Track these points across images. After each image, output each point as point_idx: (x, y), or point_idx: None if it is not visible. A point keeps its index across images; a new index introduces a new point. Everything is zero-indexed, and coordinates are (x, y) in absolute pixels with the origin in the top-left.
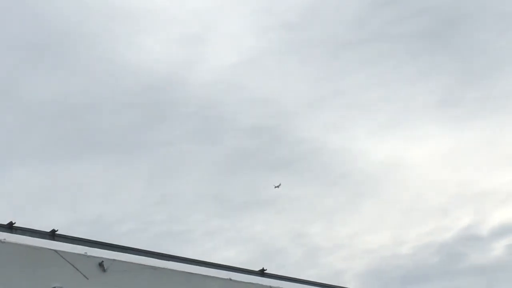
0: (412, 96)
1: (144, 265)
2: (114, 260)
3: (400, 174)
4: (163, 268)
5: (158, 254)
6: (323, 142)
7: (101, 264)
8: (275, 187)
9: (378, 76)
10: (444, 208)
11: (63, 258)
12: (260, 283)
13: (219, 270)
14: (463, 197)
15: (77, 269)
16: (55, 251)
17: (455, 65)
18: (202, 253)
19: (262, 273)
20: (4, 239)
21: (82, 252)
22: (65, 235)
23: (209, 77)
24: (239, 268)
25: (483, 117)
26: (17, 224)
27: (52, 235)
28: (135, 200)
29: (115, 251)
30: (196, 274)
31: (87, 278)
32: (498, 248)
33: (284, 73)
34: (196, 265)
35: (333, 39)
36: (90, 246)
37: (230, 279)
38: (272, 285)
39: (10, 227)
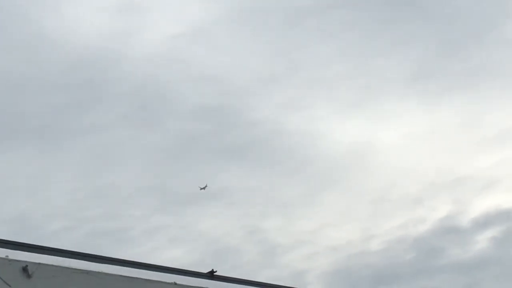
0: (381, 70)
1: (75, 269)
2: (40, 264)
3: (368, 159)
4: (98, 272)
5: (91, 256)
6: (280, 124)
7: (25, 269)
8: (201, 188)
9: (342, 48)
10: (419, 197)
11: None
12: (209, 286)
13: (162, 273)
14: (439, 185)
15: None
16: None
17: (430, 34)
18: (143, 253)
19: (211, 275)
20: None
21: (3, 256)
22: None
23: (148, 51)
24: (185, 270)
25: (462, 92)
26: None
27: None
28: (64, 194)
29: (41, 253)
30: (136, 278)
31: (10, 286)
32: (480, 241)
33: (234, 46)
34: (136, 267)
35: (289, 6)
36: (12, 249)
37: (175, 283)
38: None
39: None
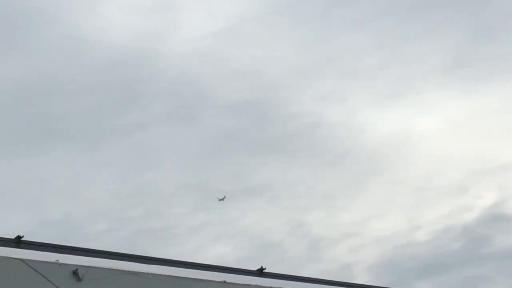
0: (418, 59)
1: (124, 270)
2: (89, 267)
3: (409, 148)
4: (146, 273)
5: (139, 257)
6: (318, 117)
7: (75, 272)
8: (219, 200)
9: (377, 37)
10: (463, 185)
11: (32, 268)
12: (259, 284)
13: (211, 272)
14: (483, 172)
15: (49, 280)
16: (22, 260)
17: (466, 20)
18: (188, 251)
19: (260, 272)
20: None
21: (53, 260)
22: (33, 242)
23: (183, 48)
24: (234, 268)
25: (501, 78)
26: None
27: (18, 242)
28: (107, 194)
29: (90, 256)
30: (184, 277)
31: None
32: None
33: (269, 40)
34: (184, 267)
35: None
36: (62, 253)
37: (225, 282)
38: (272, 285)
39: None
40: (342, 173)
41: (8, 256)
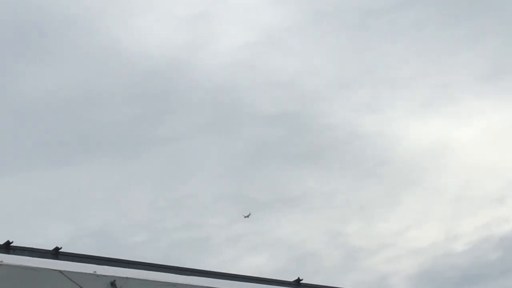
0: (456, 68)
1: (162, 282)
2: (127, 278)
3: (446, 158)
4: (184, 284)
5: (177, 268)
6: (355, 127)
7: (113, 284)
8: (245, 217)
9: (414, 47)
10: (501, 195)
11: (70, 280)
12: None
13: (248, 283)
14: None
15: None
16: (60, 271)
17: (506, 28)
18: (225, 262)
19: (297, 283)
20: (1, 261)
21: (91, 271)
22: (70, 253)
23: (219, 60)
24: (271, 279)
25: None
26: (15, 243)
27: (56, 253)
28: (143, 205)
29: (128, 267)
30: None
31: None
32: None
33: (305, 50)
34: (221, 278)
35: (359, 7)
36: (100, 264)
37: None
38: None
39: (7, 247)
40: (379, 183)
41: (47, 267)
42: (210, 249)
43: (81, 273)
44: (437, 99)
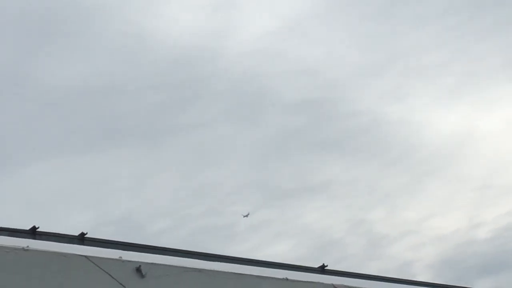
0: (481, 55)
1: (187, 267)
2: (153, 263)
3: (470, 146)
4: (209, 270)
5: (202, 254)
6: (379, 115)
7: (138, 269)
8: (244, 216)
9: (440, 35)
10: None
11: (95, 265)
12: (321, 281)
13: (273, 269)
14: None
15: (112, 277)
16: (86, 257)
17: None
18: (249, 250)
19: (322, 269)
20: (27, 247)
21: (117, 257)
22: (96, 239)
23: (244, 48)
24: (296, 265)
25: None
26: (41, 228)
27: (81, 239)
28: (167, 193)
29: (153, 253)
30: (246, 275)
31: (124, 286)
32: None
33: (330, 38)
34: (246, 264)
35: None
36: (125, 250)
37: (287, 279)
38: (334, 282)
39: (33, 233)
40: (403, 171)
41: (73, 253)
42: (234, 236)
43: (107, 258)
44: (463, 87)
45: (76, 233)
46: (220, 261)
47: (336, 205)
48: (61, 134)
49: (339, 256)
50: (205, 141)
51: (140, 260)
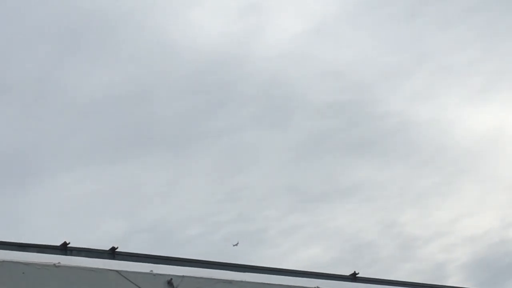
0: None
1: (218, 279)
2: (183, 276)
3: (501, 145)
4: (240, 281)
5: (233, 265)
6: (409, 115)
7: (170, 282)
8: (234, 245)
9: (467, 33)
10: None
11: (127, 279)
12: None
13: (304, 278)
14: None
15: None
16: (117, 271)
17: None
18: (280, 255)
19: (354, 277)
20: (58, 263)
21: (148, 270)
22: (127, 253)
23: (271, 50)
24: (327, 274)
25: None
26: (72, 243)
27: (112, 253)
28: (198, 199)
29: (184, 265)
30: (277, 284)
31: None
32: None
33: (357, 39)
34: (276, 274)
35: None
36: (156, 263)
37: None
38: None
39: (64, 248)
40: (434, 171)
41: (104, 267)
42: (266, 241)
43: (138, 272)
44: (493, 85)
45: (108, 245)
46: (251, 272)
47: (367, 207)
48: (89, 144)
49: (371, 259)
50: (234, 146)
51: (171, 273)
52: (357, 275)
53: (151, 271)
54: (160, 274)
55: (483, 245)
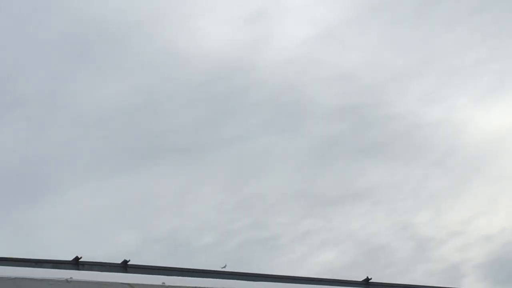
0: None
1: None
2: (196, 287)
3: None
4: None
5: (245, 274)
6: (420, 117)
7: None
8: (222, 268)
9: (476, 33)
10: None
11: None
12: None
13: (317, 285)
14: None
15: None
16: (129, 285)
17: None
18: (294, 260)
19: (367, 282)
20: (71, 278)
21: (160, 282)
22: (139, 265)
23: (279, 56)
24: (340, 280)
25: None
26: (84, 258)
27: (124, 266)
28: (211, 207)
29: (196, 276)
30: None
31: None
32: None
33: (366, 43)
34: (289, 282)
35: None
36: (168, 275)
37: None
38: None
39: (76, 263)
40: (446, 172)
41: (116, 281)
42: (279, 248)
43: (150, 285)
44: (503, 84)
45: (120, 256)
46: (263, 280)
47: (381, 210)
48: (101, 155)
49: (386, 262)
50: (246, 153)
51: (183, 285)
52: (369, 281)
53: (163, 283)
54: (173, 286)
55: (498, 244)
